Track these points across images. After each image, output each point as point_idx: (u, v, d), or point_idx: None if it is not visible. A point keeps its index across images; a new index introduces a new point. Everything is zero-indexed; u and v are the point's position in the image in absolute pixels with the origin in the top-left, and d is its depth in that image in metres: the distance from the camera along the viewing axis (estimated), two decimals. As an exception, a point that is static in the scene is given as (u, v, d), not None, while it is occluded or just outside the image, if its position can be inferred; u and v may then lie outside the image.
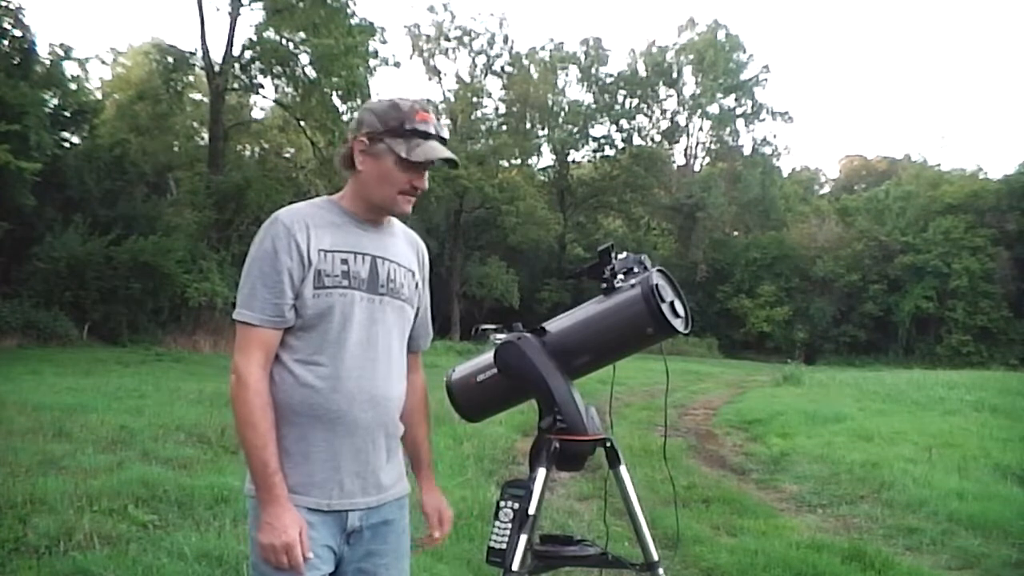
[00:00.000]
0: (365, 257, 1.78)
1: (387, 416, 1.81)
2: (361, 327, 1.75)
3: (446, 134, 1.81)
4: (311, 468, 1.71)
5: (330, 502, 1.73)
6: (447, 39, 43.21)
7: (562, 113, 46.13)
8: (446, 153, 1.77)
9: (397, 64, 36.74)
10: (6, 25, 19.96)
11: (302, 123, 27.23)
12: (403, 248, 1.89)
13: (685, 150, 51.22)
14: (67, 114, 22.79)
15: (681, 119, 50.37)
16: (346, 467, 1.75)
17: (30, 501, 4.51)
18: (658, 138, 50.04)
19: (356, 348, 1.74)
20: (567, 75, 47.47)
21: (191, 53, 26.02)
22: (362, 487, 1.77)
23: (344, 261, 1.75)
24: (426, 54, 43.37)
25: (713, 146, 50.97)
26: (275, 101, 28.39)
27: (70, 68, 23.87)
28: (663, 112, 50.12)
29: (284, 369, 1.72)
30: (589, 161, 48.31)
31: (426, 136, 1.75)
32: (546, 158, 47.36)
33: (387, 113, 1.75)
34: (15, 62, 20.07)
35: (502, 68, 44.41)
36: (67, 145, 22.34)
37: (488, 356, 1.95)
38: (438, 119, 1.80)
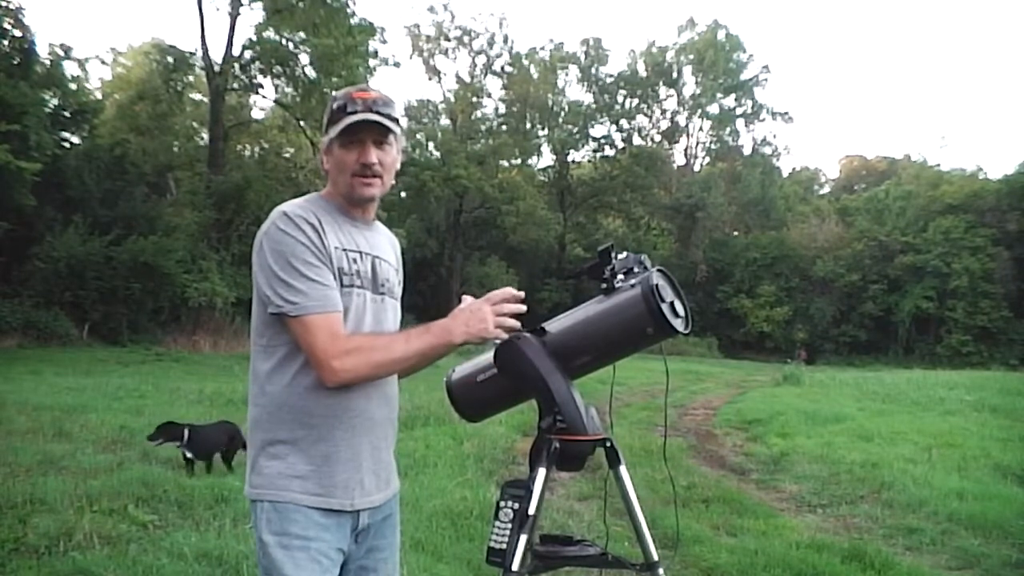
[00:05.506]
0: (366, 256, 1.78)
1: (394, 412, 1.85)
2: (370, 328, 1.75)
3: (391, 110, 1.73)
4: (332, 469, 1.69)
5: (352, 502, 1.72)
6: (447, 39, 43.24)
7: (562, 113, 46.10)
8: (371, 117, 1.68)
9: (397, 64, 36.89)
10: (6, 25, 19.96)
11: (302, 123, 27.18)
12: (387, 247, 1.89)
13: (685, 150, 51.31)
14: (67, 114, 22.80)
15: (681, 119, 50.41)
16: (366, 465, 1.75)
17: (30, 501, 4.52)
18: (658, 138, 50.08)
19: None
20: (567, 75, 47.54)
21: (191, 53, 26.06)
22: (377, 484, 1.79)
23: (354, 260, 1.74)
24: (426, 54, 43.40)
25: (713, 146, 50.97)
26: (275, 101, 28.37)
27: (70, 68, 23.96)
28: (663, 112, 50.16)
29: (301, 372, 1.69)
30: (589, 161, 48.29)
31: (352, 112, 1.69)
32: (546, 158, 47.46)
33: (329, 109, 1.74)
34: (15, 62, 20.07)
35: (502, 68, 44.42)
36: (67, 145, 22.34)
37: (488, 356, 1.94)
38: (386, 99, 1.73)
